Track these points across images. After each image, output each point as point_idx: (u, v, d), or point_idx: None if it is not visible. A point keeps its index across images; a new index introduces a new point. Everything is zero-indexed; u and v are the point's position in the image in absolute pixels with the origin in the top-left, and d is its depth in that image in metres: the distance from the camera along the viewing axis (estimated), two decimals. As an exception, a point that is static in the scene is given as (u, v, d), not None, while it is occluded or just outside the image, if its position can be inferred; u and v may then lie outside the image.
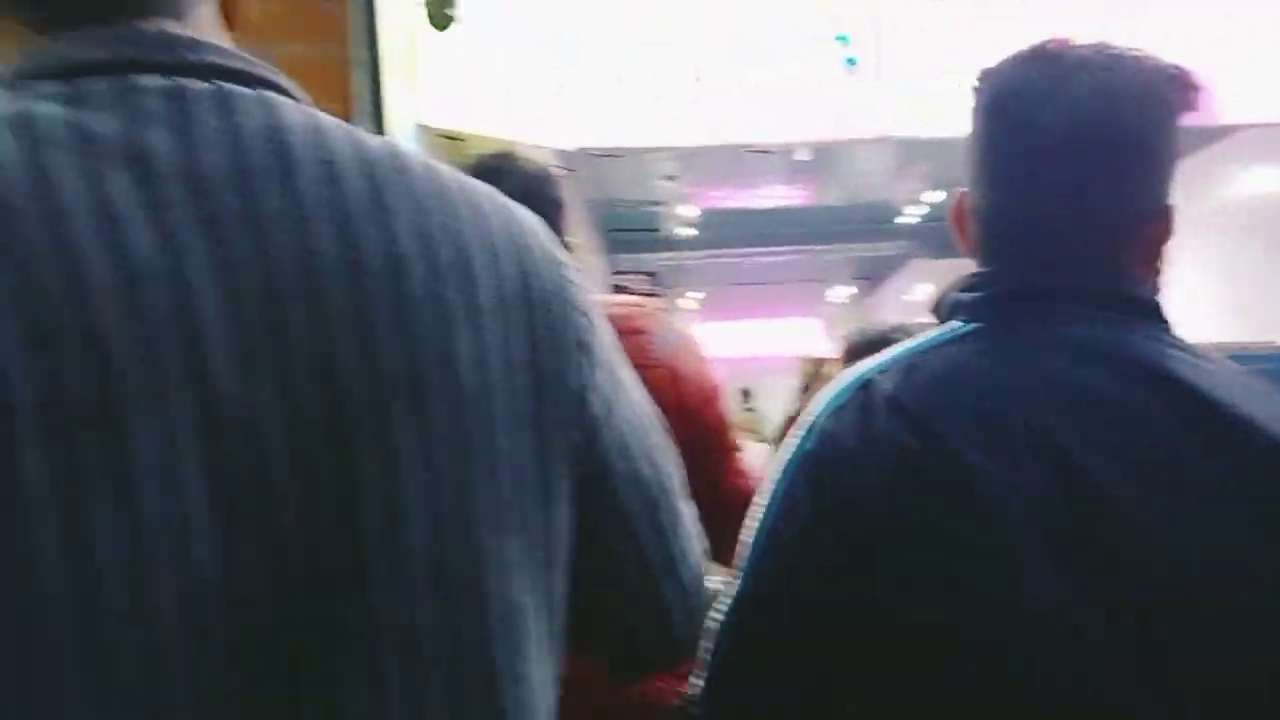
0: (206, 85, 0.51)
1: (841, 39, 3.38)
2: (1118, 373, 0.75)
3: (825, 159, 6.10)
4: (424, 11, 2.84)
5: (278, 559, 0.47)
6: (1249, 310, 4.63)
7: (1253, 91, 3.30)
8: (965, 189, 0.85)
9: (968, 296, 0.82)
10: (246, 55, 0.55)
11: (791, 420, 1.92)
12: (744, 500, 0.85)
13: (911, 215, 7.99)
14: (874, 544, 0.73)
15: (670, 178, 6.50)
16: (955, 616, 0.71)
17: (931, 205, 7.34)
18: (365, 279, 0.50)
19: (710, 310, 10.81)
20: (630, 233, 8.39)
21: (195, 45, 0.53)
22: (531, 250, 0.57)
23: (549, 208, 1.60)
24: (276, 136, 0.50)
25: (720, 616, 0.78)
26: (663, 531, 0.62)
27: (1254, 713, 0.71)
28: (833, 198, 7.09)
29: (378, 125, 2.57)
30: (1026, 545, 0.70)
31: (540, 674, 0.55)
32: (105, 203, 0.46)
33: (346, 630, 0.48)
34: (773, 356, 10.58)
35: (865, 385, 0.77)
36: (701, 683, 0.79)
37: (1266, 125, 3.41)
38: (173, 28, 0.53)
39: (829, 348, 5.28)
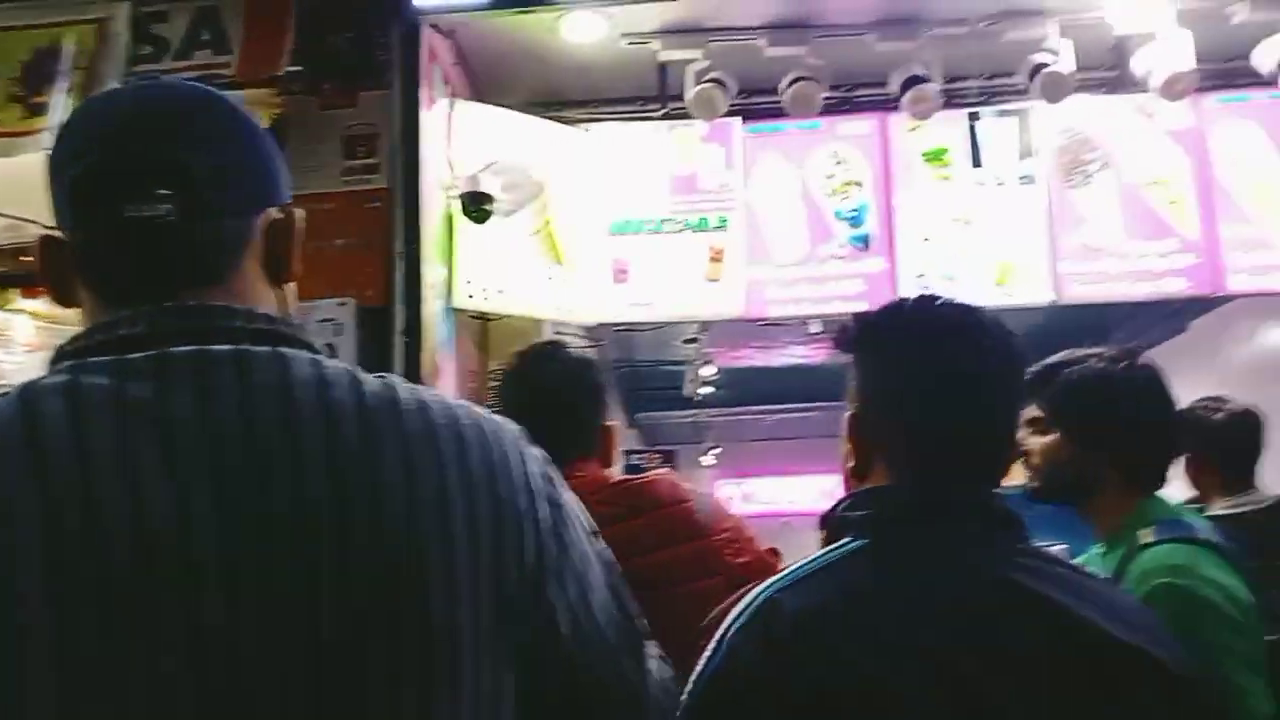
0: (229, 349, 0.62)
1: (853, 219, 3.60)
2: (986, 585, 0.86)
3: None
4: (460, 205, 3.07)
5: None
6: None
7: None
8: (854, 410, 0.99)
9: (857, 515, 0.92)
10: (272, 314, 0.67)
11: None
12: None
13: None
14: None
15: (691, 340, 6.70)
16: None
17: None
18: (351, 512, 0.59)
19: (731, 467, 10.82)
20: (651, 391, 8.55)
21: (227, 314, 0.64)
22: (510, 475, 0.66)
23: (587, 394, 1.71)
24: (284, 392, 0.61)
25: None
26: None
27: None
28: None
29: (414, 310, 2.75)
30: None
31: None
32: (130, 457, 0.56)
33: None
34: (798, 512, 10.51)
35: (769, 603, 0.86)
36: None
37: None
38: (212, 297, 0.65)
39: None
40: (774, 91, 3.36)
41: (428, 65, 2.91)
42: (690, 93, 3.27)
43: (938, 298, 1.03)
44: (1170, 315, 6.24)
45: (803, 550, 0.95)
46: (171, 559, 0.55)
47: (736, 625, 0.86)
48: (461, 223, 3.12)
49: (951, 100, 3.48)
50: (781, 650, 0.82)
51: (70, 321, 0.68)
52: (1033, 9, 3.21)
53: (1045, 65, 3.19)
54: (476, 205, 3.03)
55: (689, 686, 0.85)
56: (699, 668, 0.86)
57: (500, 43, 3.30)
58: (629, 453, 2.47)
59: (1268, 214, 3.49)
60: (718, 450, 9.96)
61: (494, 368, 3.24)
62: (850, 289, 3.55)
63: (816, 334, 5.84)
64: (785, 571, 0.91)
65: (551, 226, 3.44)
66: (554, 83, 3.55)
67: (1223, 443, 2.15)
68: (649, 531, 1.59)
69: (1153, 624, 0.91)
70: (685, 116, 3.43)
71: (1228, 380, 6.36)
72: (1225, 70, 3.46)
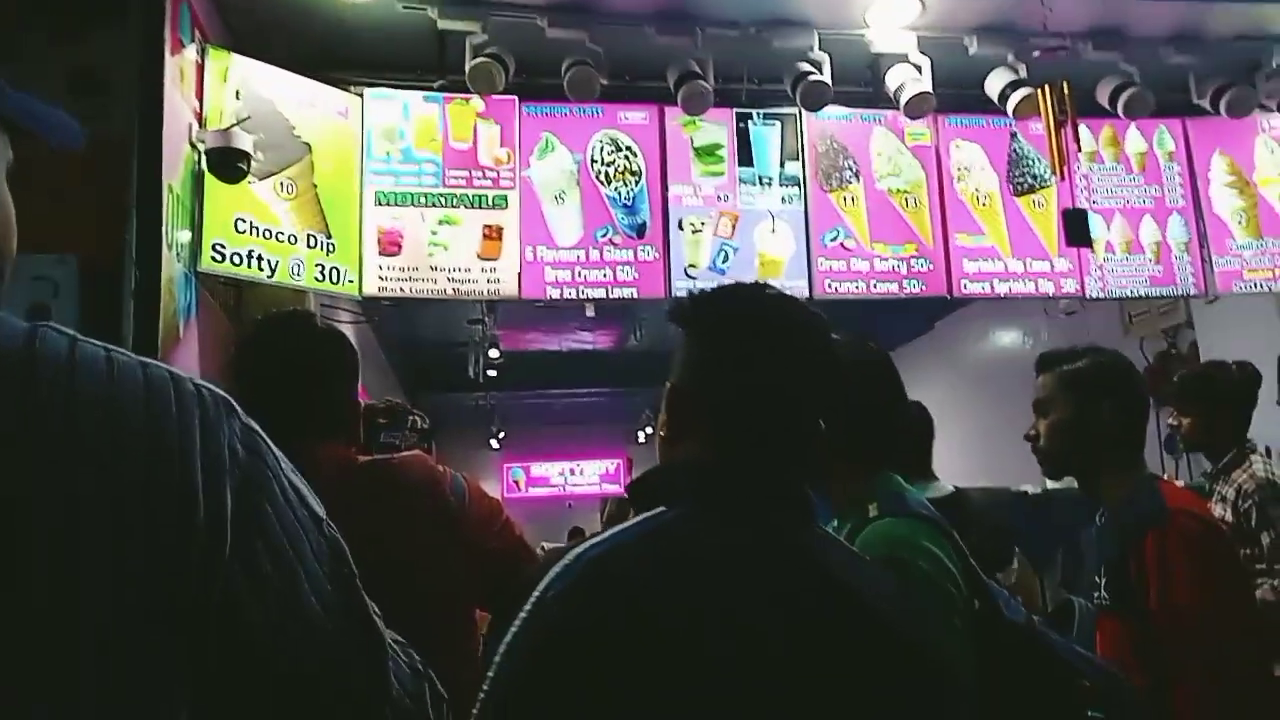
0: None
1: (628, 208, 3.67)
2: (785, 559, 0.92)
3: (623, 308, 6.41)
4: (207, 161, 2.85)
5: None
6: (976, 458, 5.18)
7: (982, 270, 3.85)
8: (673, 382, 1.02)
9: (669, 485, 0.96)
10: None
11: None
12: None
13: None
14: (595, 701, 0.81)
15: (476, 321, 6.61)
16: None
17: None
18: None
19: (517, 450, 10.81)
20: (437, 372, 8.37)
21: None
22: (186, 446, 0.61)
23: (334, 367, 1.61)
24: None
25: None
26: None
27: None
28: (633, 343, 7.42)
29: (150, 272, 2.52)
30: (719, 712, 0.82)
31: None
32: None
33: None
34: (585, 495, 10.67)
35: (588, 565, 0.87)
36: None
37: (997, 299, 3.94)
38: None
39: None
40: (555, 73, 3.36)
41: (174, 4, 2.67)
42: (469, 65, 3.21)
43: (770, 287, 1.07)
44: (918, 317, 6.86)
45: (588, 529, 0.95)
46: None
47: (554, 590, 0.85)
48: (212, 181, 2.90)
49: (724, 99, 3.63)
50: (599, 611, 0.83)
51: None
52: (800, 19, 3.41)
53: (808, 74, 3.40)
54: (228, 163, 2.82)
55: (497, 656, 0.83)
56: (511, 634, 0.84)
57: (264, -8, 3.10)
58: (380, 429, 2.38)
59: (993, 227, 3.90)
60: (502, 435, 9.90)
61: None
62: (625, 275, 3.63)
63: (594, 319, 5.91)
64: (602, 536, 0.92)
65: (318, 191, 3.27)
66: (325, 42, 3.38)
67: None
68: (400, 513, 1.54)
69: (898, 593, 1.00)
70: (464, 90, 3.37)
71: (965, 375, 7.09)
72: (961, 96, 3.82)
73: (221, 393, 0.67)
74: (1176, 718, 1.48)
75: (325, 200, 3.29)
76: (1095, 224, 3.85)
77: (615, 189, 3.68)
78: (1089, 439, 1.78)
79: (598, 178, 3.67)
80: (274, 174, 3.14)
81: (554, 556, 0.90)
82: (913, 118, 3.61)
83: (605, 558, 0.88)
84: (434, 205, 3.50)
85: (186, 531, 0.59)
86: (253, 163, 2.92)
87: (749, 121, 3.78)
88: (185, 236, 2.81)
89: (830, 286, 3.75)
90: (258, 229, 3.07)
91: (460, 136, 3.57)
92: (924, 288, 3.84)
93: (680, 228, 3.69)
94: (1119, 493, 1.76)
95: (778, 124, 3.79)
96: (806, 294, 3.71)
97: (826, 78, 3.41)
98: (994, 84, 3.62)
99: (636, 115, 3.72)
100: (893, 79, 3.54)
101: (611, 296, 3.63)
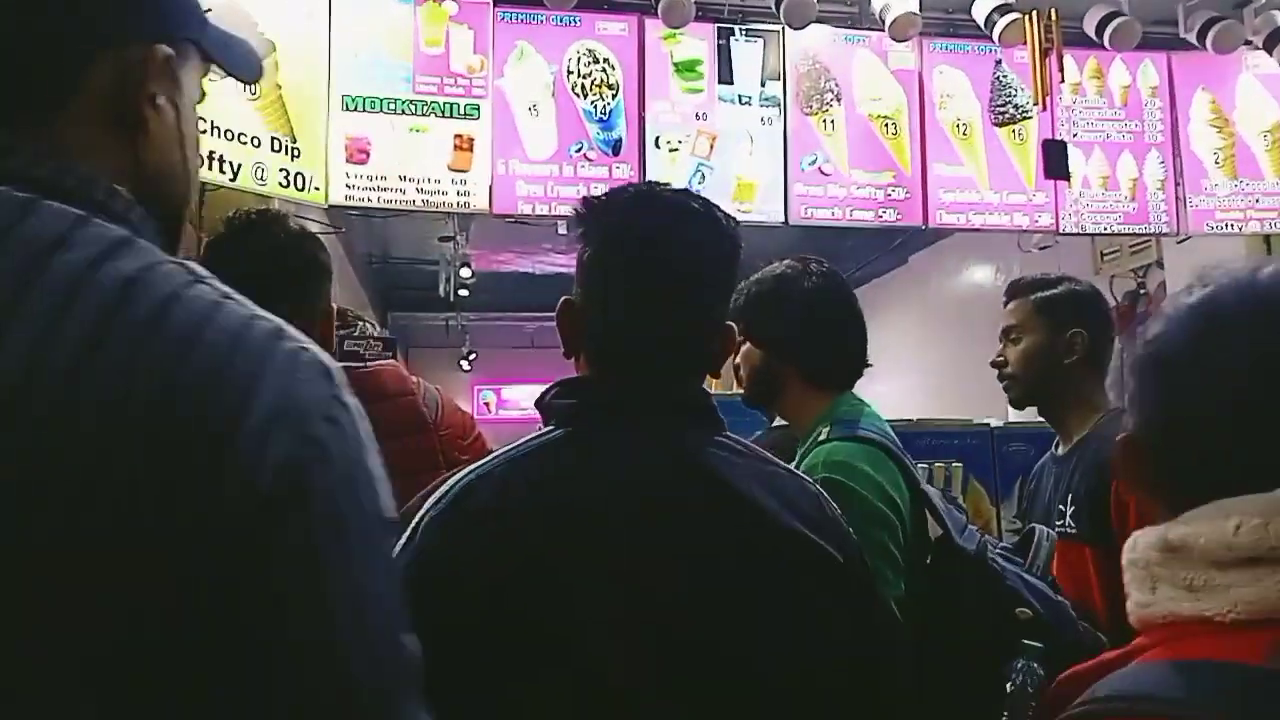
0: None
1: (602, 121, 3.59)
2: (674, 472, 0.90)
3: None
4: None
5: None
6: (945, 391, 5.24)
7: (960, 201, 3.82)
8: (572, 296, 0.98)
9: (561, 403, 0.94)
10: (71, 167, 0.58)
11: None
12: None
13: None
14: (474, 624, 0.80)
15: (448, 239, 6.50)
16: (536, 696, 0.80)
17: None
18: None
19: (488, 372, 10.78)
20: (409, 291, 8.27)
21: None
22: (233, 405, 0.54)
23: (304, 268, 1.56)
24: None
25: None
26: None
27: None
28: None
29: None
30: (597, 636, 0.81)
31: None
32: None
33: None
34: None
35: (465, 488, 0.86)
36: None
37: (972, 230, 3.92)
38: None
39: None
40: (531, -22, 3.24)
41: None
42: (441, -35, 3.08)
43: (666, 186, 1.03)
44: (894, 249, 6.84)
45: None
46: None
47: (432, 511, 0.85)
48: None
49: (706, 14, 3.52)
50: (466, 535, 0.82)
51: None
52: (786, -69, 3.29)
53: (792, -11, 3.30)
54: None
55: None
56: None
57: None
58: (340, 338, 2.34)
59: (972, 157, 3.86)
60: (473, 357, 9.86)
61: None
62: (599, 192, 3.55)
63: (567, 240, 5.83)
64: (488, 458, 0.90)
65: (282, 93, 3.16)
66: (291, -67, 3.22)
67: None
68: (378, 423, 1.50)
69: (820, 512, 0.97)
70: (436, -9, 3.24)
71: (939, 309, 7.12)
72: (947, 20, 3.74)
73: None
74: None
75: (290, 103, 3.17)
76: (1074, 158, 3.82)
77: (591, 102, 3.58)
78: (1061, 367, 1.78)
79: (574, 90, 3.57)
80: (236, 72, 3.01)
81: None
82: (898, 39, 3.53)
83: (477, 481, 0.87)
84: (404, 113, 3.39)
85: (217, 515, 0.52)
86: (213, 58, 2.80)
87: (730, 37, 3.68)
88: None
89: (806, 212, 3.70)
90: (218, 129, 2.96)
91: (432, 41, 3.44)
92: (900, 216, 3.81)
93: (657, 145, 3.61)
94: (1083, 425, 1.77)
95: (760, 41, 3.69)
96: (782, 218, 3.67)
97: (811, -7, 3.32)
98: (980, 8, 3.55)
99: (615, 26, 3.60)
100: (879, -1, 3.45)
101: (584, 214, 3.56)
